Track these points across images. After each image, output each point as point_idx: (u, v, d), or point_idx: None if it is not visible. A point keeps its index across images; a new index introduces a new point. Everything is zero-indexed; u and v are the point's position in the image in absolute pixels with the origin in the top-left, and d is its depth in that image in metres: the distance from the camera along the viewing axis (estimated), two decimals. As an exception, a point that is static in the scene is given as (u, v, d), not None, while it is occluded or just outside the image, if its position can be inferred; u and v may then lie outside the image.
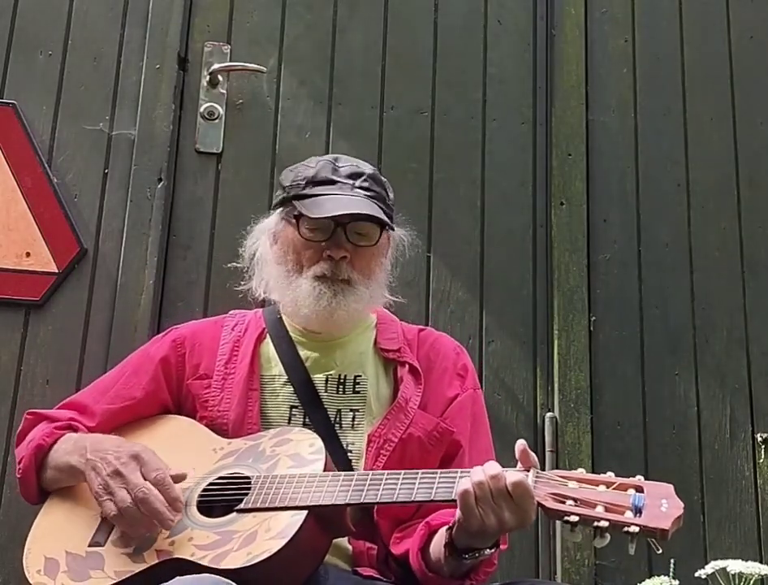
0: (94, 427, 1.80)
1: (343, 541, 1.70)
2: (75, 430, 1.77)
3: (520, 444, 1.50)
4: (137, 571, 1.54)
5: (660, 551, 1.39)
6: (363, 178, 1.84)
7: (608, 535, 1.38)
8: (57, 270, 2.38)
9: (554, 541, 2.39)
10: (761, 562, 1.59)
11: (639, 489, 1.41)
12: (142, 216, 2.43)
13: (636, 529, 1.35)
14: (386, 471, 1.57)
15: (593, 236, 2.62)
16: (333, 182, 1.82)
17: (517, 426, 2.47)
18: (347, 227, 1.79)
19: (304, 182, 1.84)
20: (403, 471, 1.54)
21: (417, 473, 1.53)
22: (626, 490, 1.41)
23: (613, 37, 2.79)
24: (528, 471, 1.47)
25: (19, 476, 1.78)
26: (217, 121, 2.56)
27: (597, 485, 1.43)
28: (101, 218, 2.44)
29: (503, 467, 1.49)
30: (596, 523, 1.37)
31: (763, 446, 2.53)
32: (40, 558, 1.63)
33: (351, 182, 1.83)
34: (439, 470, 1.53)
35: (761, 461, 2.53)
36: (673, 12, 2.83)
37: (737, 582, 1.49)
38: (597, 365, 2.53)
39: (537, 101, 2.71)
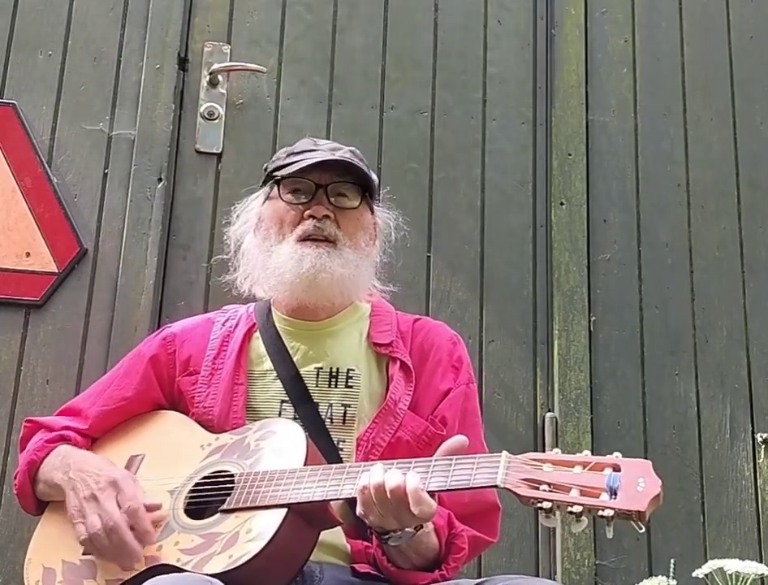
0: (87, 430, 1.81)
1: (341, 541, 1.69)
2: (68, 439, 1.78)
3: (452, 444, 1.51)
4: (126, 579, 1.56)
5: (642, 530, 1.34)
6: (343, 151, 1.86)
7: (585, 519, 1.34)
8: (57, 270, 2.38)
9: (554, 541, 2.39)
10: (761, 562, 1.59)
11: (616, 468, 1.37)
12: (142, 216, 2.44)
13: (611, 512, 1.31)
14: (363, 463, 1.56)
15: (593, 236, 2.62)
16: (313, 151, 1.85)
17: (517, 426, 2.47)
18: (328, 188, 1.80)
19: (284, 155, 1.88)
20: (379, 462, 1.52)
21: (393, 463, 1.51)
22: (602, 470, 1.37)
23: (613, 37, 2.79)
24: (487, 461, 1.45)
25: (16, 492, 1.80)
26: (217, 121, 2.56)
27: (573, 466, 1.38)
28: (101, 218, 2.44)
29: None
30: (569, 508, 1.33)
31: (763, 446, 2.53)
32: (39, 568, 1.66)
33: (331, 152, 1.85)
34: (414, 460, 1.51)
35: (761, 461, 2.53)
36: (673, 12, 2.83)
37: (734, 581, 1.49)
38: (597, 365, 2.53)
39: (537, 101, 2.71)
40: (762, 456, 2.53)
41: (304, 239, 1.79)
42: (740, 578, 1.46)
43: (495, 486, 1.41)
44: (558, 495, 1.35)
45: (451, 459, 1.48)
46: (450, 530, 1.64)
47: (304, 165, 1.80)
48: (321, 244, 1.78)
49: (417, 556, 1.59)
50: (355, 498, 1.51)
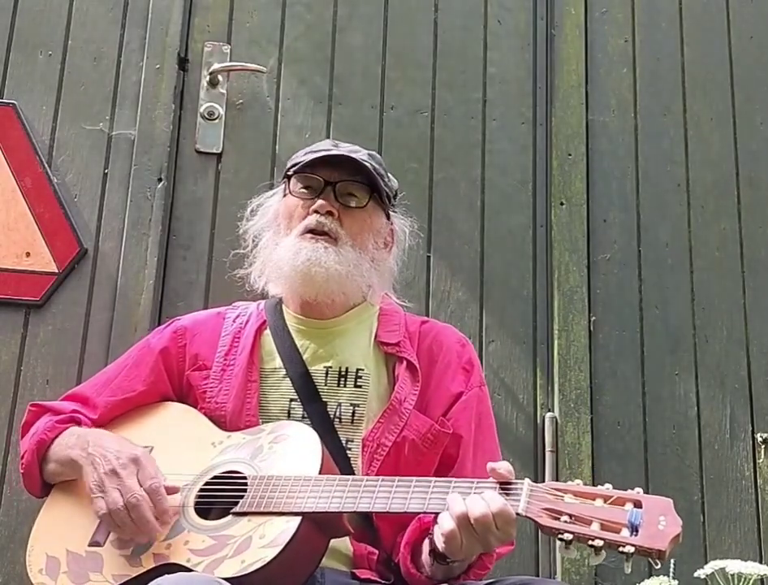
0: (96, 419, 1.80)
1: (344, 544, 1.69)
2: (78, 422, 1.77)
3: (488, 468, 1.48)
4: (134, 575, 1.55)
5: (659, 566, 1.33)
6: (362, 153, 1.87)
7: (604, 553, 1.33)
8: (57, 270, 2.38)
9: (554, 541, 2.39)
10: (760, 562, 1.59)
11: (637, 504, 1.36)
12: (142, 216, 2.43)
13: (632, 549, 1.31)
14: (381, 477, 1.55)
15: (593, 236, 2.62)
16: (330, 150, 1.86)
17: (517, 426, 2.47)
18: (336, 186, 1.82)
19: (302, 153, 1.89)
20: (397, 478, 1.52)
21: (411, 481, 1.51)
22: (623, 505, 1.36)
23: (613, 37, 2.79)
24: (509, 488, 1.44)
25: (22, 471, 1.79)
26: (217, 121, 2.56)
27: (594, 499, 1.38)
28: (101, 218, 2.44)
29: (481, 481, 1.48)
30: (591, 542, 1.33)
31: (763, 446, 2.53)
32: (42, 557, 1.64)
33: (348, 153, 1.86)
34: (433, 479, 1.51)
35: (761, 461, 2.53)
36: (673, 12, 2.83)
37: (736, 582, 1.48)
38: (597, 365, 2.53)
39: (537, 101, 2.70)
40: (762, 456, 2.53)
41: (306, 233, 1.80)
42: (742, 579, 1.45)
43: (518, 514, 1.41)
44: (579, 527, 1.35)
45: (473, 482, 1.48)
46: None
47: (312, 158, 1.82)
48: (320, 239, 1.79)
49: (460, 569, 1.60)
50: (374, 513, 1.52)
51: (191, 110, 2.56)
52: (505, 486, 1.46)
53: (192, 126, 2.55)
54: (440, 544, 1.48)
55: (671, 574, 1.77)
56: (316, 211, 1.80)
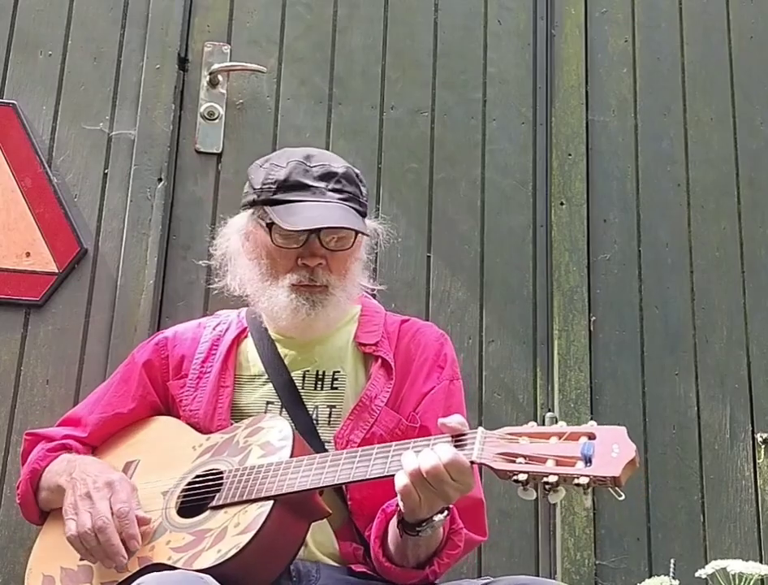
0: (86, 438, 1.84)
1: (330, 541, 1.71)
2: (69, 448, 1.81)
3: (439, 423, 1.49)
4: (120, 580, 1.57)
5: (622, 497, 1.32)
6: (336, 179, 1.77)
7: (561, 490, 1.33)
8: (57, 270, 2.38)
9: (554, 541, 2.39)
10: (761, 562, 1.59)
11: (591, 436, 1.36)
12: (142, 216, 2.44)
13: (586, 480, 1.30)
14: (345, 451, 1.57)
15: (593, 236, 2.62)
16: (305, 186, 1.75)
17: (517, 426, 2.46)
18: (320, 233, 1.74)
19: (275, 186, 1.76)
20: (360, 449, 1.55)
21: (373, 449, 1.53)
22: (578, 439, 1.36)
23: (613, 37, 2.79)
24: (463, 439, 1.45)
25: (18, 501, 1.82)
26: (217, 121, 2.56)
27: (549, 438, 1.38)
28: (101, 218, 2.44)
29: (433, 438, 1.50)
30: (545, 479, 1.33)
31: (763, 446, 2.53)
32: (39, 577, 1.68)
33: (323, 185, 1.75)
34: (393, 444, 1.53)
35: (761, 461, 2.53)
36: (673, 12, 2.83)
37: (737, 582, 1.48)
38: (597, 365, 2.53)
39: (537, 101, 2.70)
40: (762, 456, 2.53)
41: (297, 286, 1.75)
42: (743, 579, 1.45)
43: (472, 461, 1.42)
44: (533, 466, 1.35)
45: (429, 439, 1.50)
46: (450, 525, 1.64)
47: (299, 229, 1.71)
48: (314, 292, 1.75)
49: (427, 548, 1.60)
50: (340, 485, 1.54)
51: (191, 110, 2.56)
52: (459, 438, 1.47)
53: (192, 126, 2.55)
54: (401, 504, 1.49)
55: (671, 574, 1.77)
56: (305, 265, 1.75)
